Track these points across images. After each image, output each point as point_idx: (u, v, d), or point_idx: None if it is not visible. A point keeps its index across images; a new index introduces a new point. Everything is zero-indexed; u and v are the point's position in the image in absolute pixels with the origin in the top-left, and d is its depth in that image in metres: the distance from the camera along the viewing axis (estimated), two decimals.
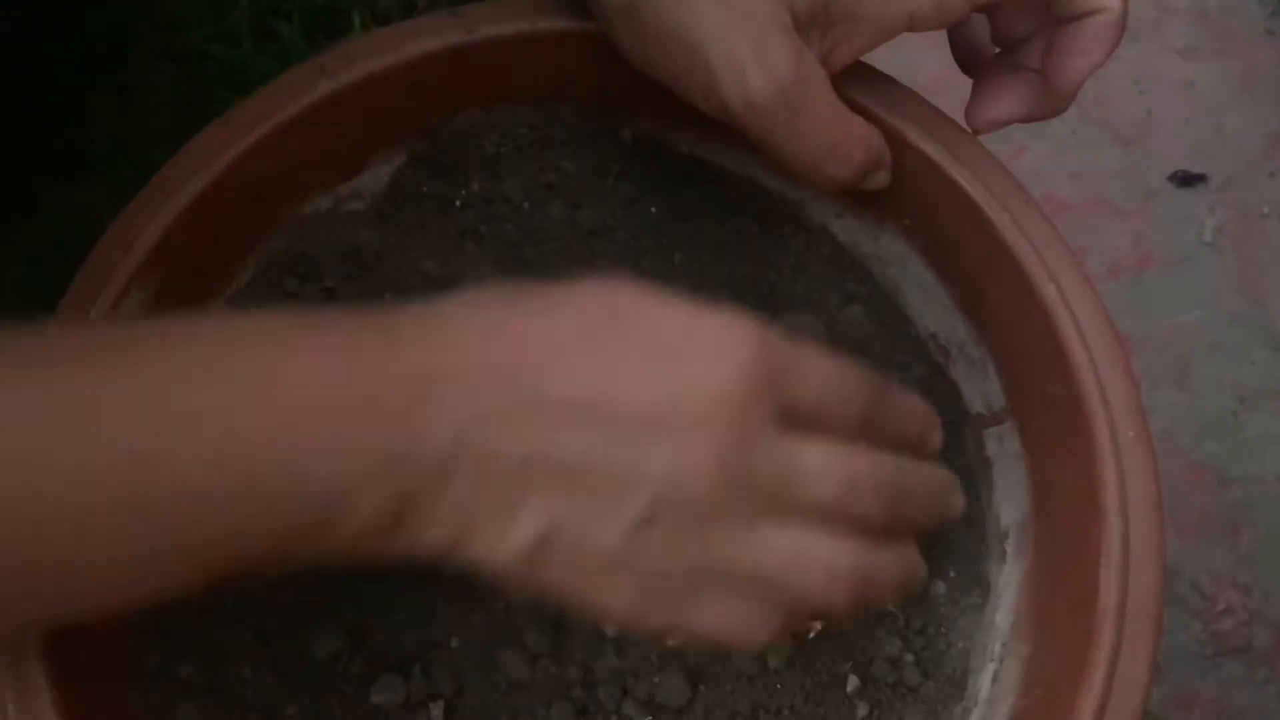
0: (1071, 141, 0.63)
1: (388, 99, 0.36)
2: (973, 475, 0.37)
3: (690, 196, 0.39)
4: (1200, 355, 0.59)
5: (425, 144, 0.38)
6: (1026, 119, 0.36)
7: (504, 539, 0.26)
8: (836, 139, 0.32)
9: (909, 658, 0.35)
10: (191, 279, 0.35)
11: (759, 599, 0.28)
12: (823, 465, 0.28)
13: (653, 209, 0.39)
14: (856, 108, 0.34)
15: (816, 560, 0.27)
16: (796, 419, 0.28)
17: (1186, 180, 0.63)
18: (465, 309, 0.27)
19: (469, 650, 0.34)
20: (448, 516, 0.26)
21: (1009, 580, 0.36)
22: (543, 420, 0.26)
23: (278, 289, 0.37)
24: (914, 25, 0.33)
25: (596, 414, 0.26)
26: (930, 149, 0.35)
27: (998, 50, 0.37)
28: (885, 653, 0.35)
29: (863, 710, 0.35)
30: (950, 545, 0.37)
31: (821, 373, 0.28)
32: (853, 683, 0.35)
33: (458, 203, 0.38)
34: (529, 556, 0.27)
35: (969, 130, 0.36)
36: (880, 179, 0.35)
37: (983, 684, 0.35)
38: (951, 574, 0.37)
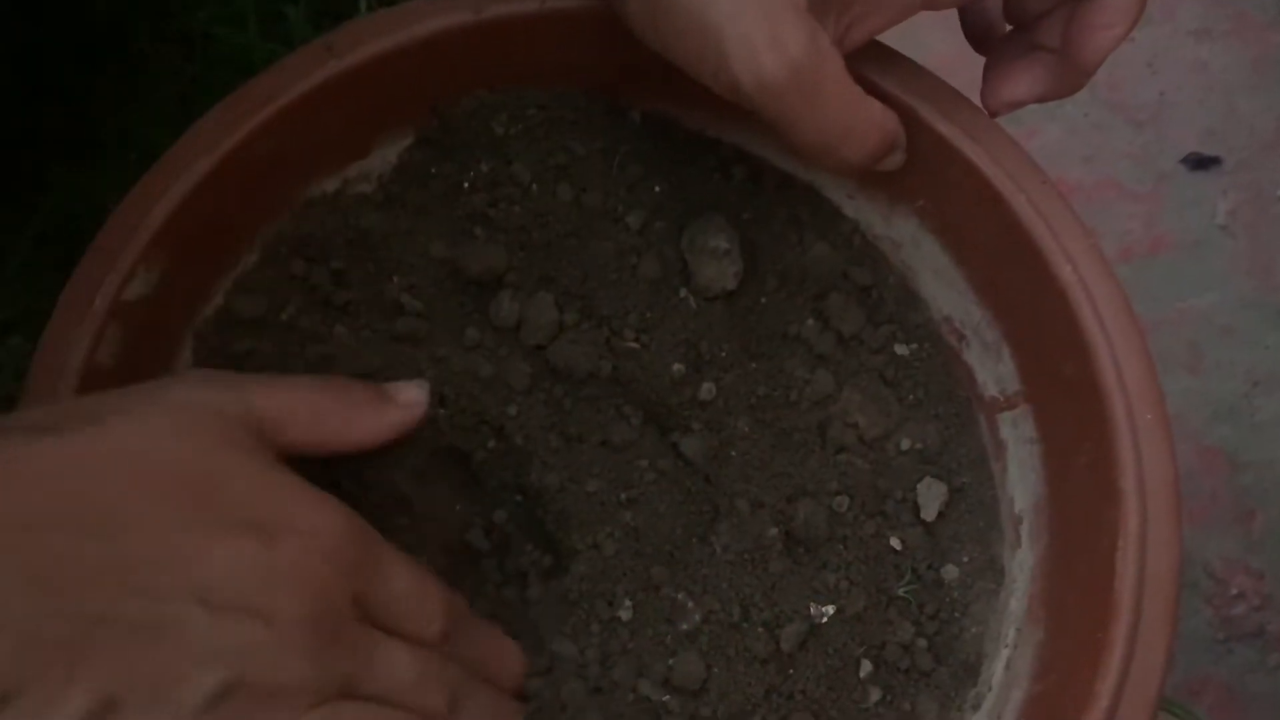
0: (1083, 124, 0.63)
1: (395, 79, 0.36)
2: (986, 460, 0.37)
3: (698, 177, 0.39)
4: (1212, 339, 0.58)
5: (433, 125, 0.38)
6: (1042, 99, 0.36)
7: (57, 711, 0.24)
8: (850, 122, 0.32)
9: (922, 643, 0.35)
10: (198, 261, 0.35)
11: None
12: (397, 657, 0.28)
13: (658, 189, 0.38)
14: (871, 87, 0.33)
15: None
16: (374, 615, 0.28)
17: (1199, 163, 0.62)
18: (35, 440, 0.25)
19: None
20: None
21: (1023, 565, 0.35)
22: (110, 580, 0.25)
23: (285, 271, 0.36)
24: (931, 4, 0.32)
25: (174, 577, 0.25)
26: (945, 129, 0.34)
27: (1010, 28, 0.37)
28: (898, 638, 0.35)
29: (875, 695, 0.34)
30: (963, 530, 0.37)
31: (406, 577, 0.29)
32: (865, 667, 0.35)
33: (466, 185, 0.38)
34: None
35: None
36: (895, 160, 0.34)
37: (996, 669, 0.34)
38: (965, 559, 0.36)
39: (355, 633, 0.27)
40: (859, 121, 0.32)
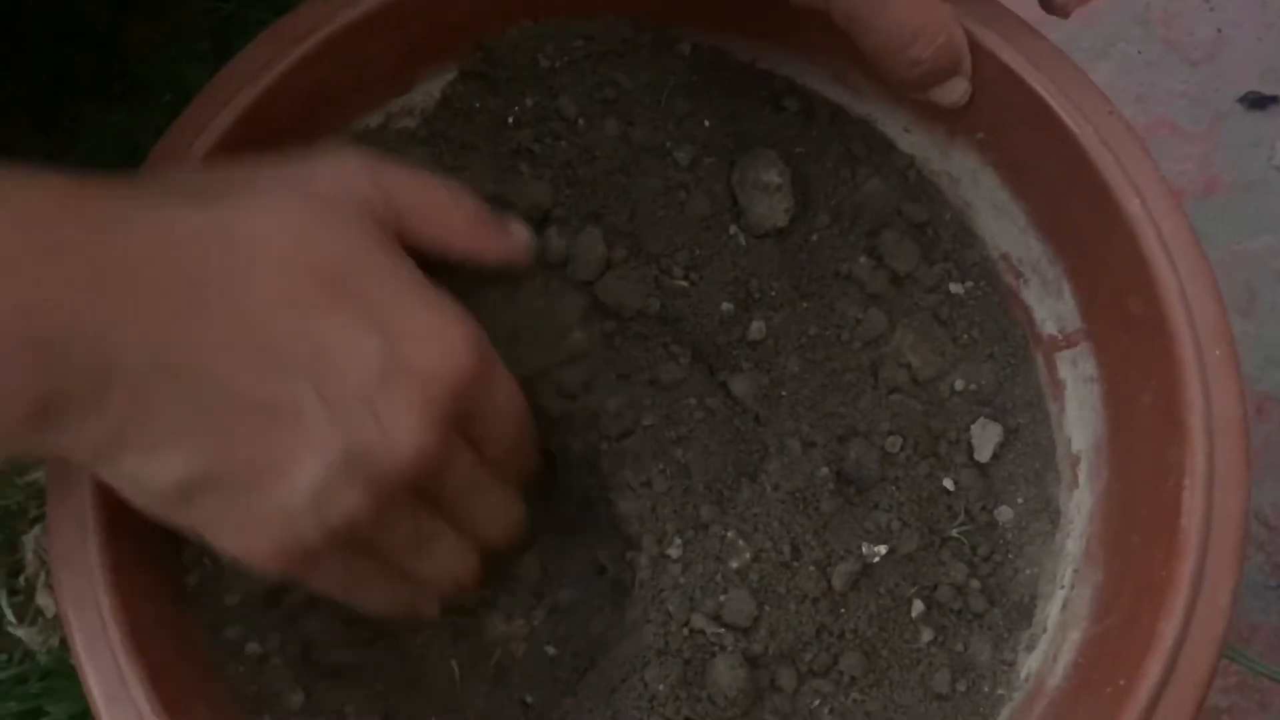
0: (1137, 62, 0.61)
1: (438, 11, 0.35)
2: (1043, 400, 0.36)
3: (749, 111, 0.38)
4: (1267, 282, 0.57)
5: (477, 58, 0.37)
6: None
7: (158, 465, 0.25)
8: (921, 21, 0.31)
9: (975, 584, 0.35)
10: None
11: (407, 583, 0.30)
12: (465, 467, 0.29)
13: (708, 123, 0.37)
14: None
15: (452, 558, 0.30)
16: (467, 422, 0.28)
17: (1257, 102, 0.60)
18: (174, 209, 0.25)
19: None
20: (101, 424, 0.24)
21: (1080, 505, 0.35)
22: (237, 353, 0.25)
23: None
24: None
25: (295, 362, 0.25)
26: (1009, 57, 0.33)
27: None
28: (951, 579, 0.35)
29: (927, 635, 0.34)
30: (1018, 471, 0.36)
31: (507, 396, 0.30)
32: (917, 608, 0.34)
33: (511, 119, 0.37)
34: (177, 493, 0.25)
35: (1051, 15, 0.34)
36: (959, 89, 0.33)
37: (1052, 610, 0.34)
38: (1019, 500, 0.36)
39: (451, 445, 0.28)
40: (929, 20, 0.31)
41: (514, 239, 0.34)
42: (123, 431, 0.25)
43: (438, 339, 0.27)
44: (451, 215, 0.31)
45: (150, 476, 0.25)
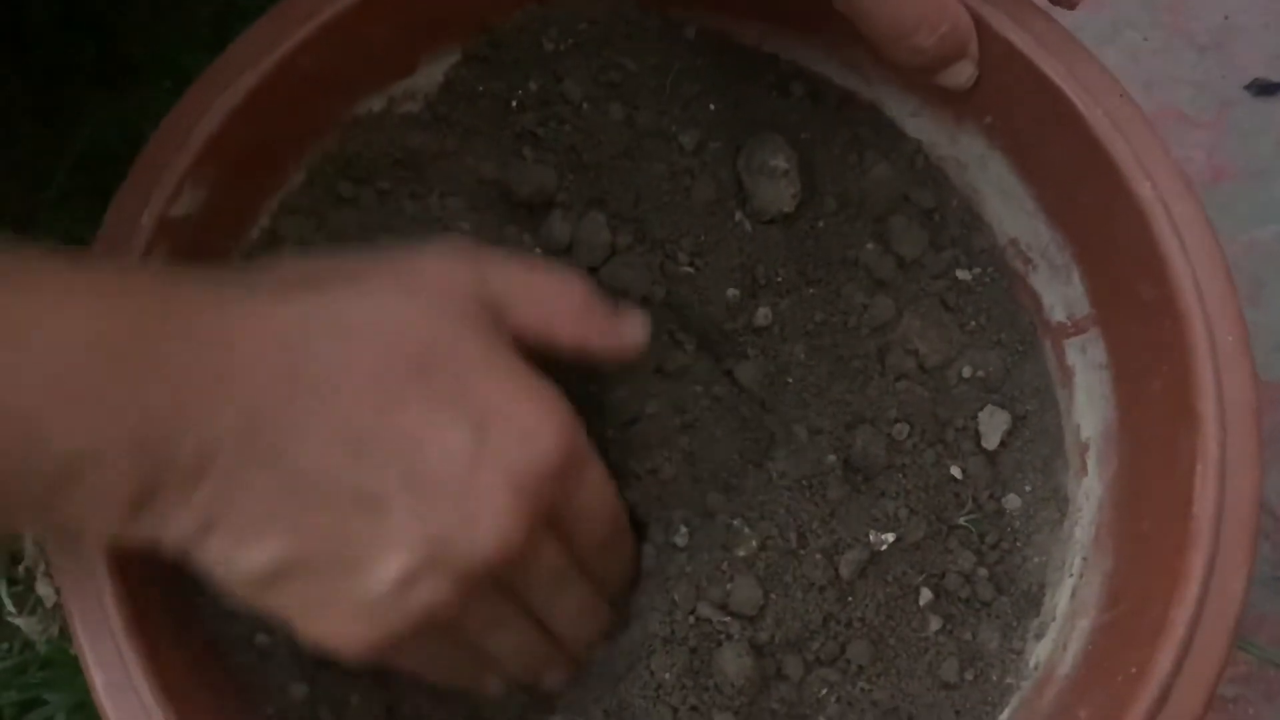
0: (1144, 49, 0.60)
1: None
2: (1051, 387, 0.36)
3: (755, 95, 0.38)
4: (1274, 271, 0.56)
5: (481, 41, 0.36)
6: None
7: (245, 551, 0.25)
8: (924, 9, 0.31)
9: (983, 572, 0.35)
10: (244, 180, 0.34)
11: (478, 661, 0.30)
12: (551, 562, 0.29)
13: (713, 107, 0.37)
14: None
15: (528, 647, 0.30)
16: (556, 515, 0.28)
17: (1265, 89, 0.60)
18: (274, 298, 0.25)
19: None
20: (190, 515, 0.25)
21: (1089, 493, 0.34)
22: (327, 442, 0.25)
23: (331, 191, 0.36)
24: None
25: (385, 451, 0.25)
26: (1017, 38, 0.33)
27: None
28: (959, 567, 0.34)
29: (935, 624, 0.34)
30: (1026, 459, 0.36)
31: (599, 488, 0.29)
32: (925, 596, 0.34)
33: (515, 103, 0.37)
34: (263, 579, 0.25)
35: (1057, 6, 0.33)
36: (965, 72, 0.33)
37: (1061, 599, 0.34)
38: (1027, 488, 0.35)
39: (537, 537, 0.27)
40: (932, 8, 0.31)
41: (631, 333, 0.32)
42: (212, 520, 0.25)
43: (528, 429, 0.26)
44: (558, 305, 0.30)
45: (238, 563, 0.25)
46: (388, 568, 0.25)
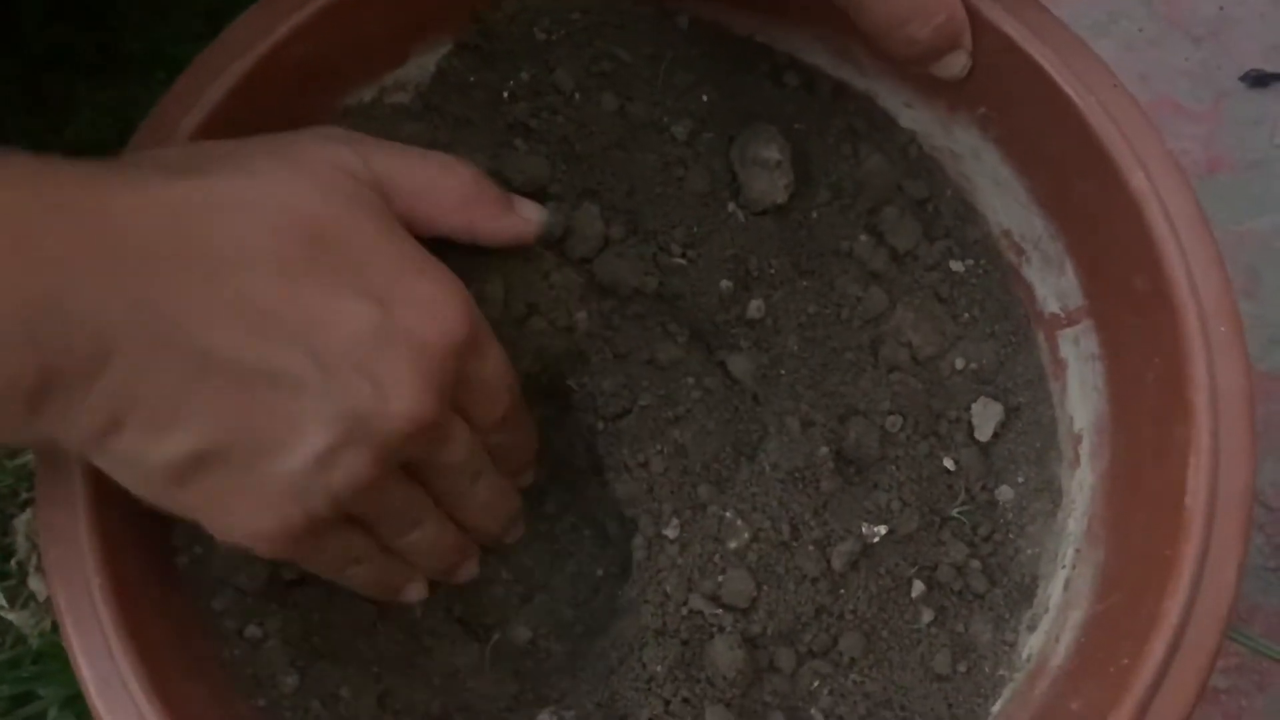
0: (1139, 40, 0.60)
1: None
2: (1044, 378, 0.36)
3: (749, 86, 0.37)
4: (1270, 262, 0.56)
5: (473, 31, 0.36)
6: None
7: (157, 443, 0.24)
8: (918, 0, 0.31)
9: (975, 564, 0.34)
10: None
11: (398, 563, 0.30)
12: (461, 440, 0.29)
13: (706, 98, 0.37)
14: None
15: (445, 539, 0.30)
16: (459, 390, 0.28)
17: (1260, 80, 0.60)
18: (160, 178, 0.25)
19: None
20: (97, 404, 0.24)
21: (1082, 484, 0.34)
22: (230, 322, 0.24)
23: None
24: None
25: (291, 329, 0.25)
26: (1011, 29, 0.32)
27: None
28: (951, 559, 0.34)
29: (927, 616, 0.34)
30: (1019, 450, 0.36)
31: (497, 363, 0.29)
32: (918, 588, 0.34)
33: (506, 94, 0.36)
34: (178, 473, 0.25)
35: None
36: (958, 62, 0.33)
37: (1053, 590, 0.34)
38: (1020, 480, 0.35)
39: (447, 414, 0.27)
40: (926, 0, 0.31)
41: (523, 220, 0.32)
42: (119, 410, 0.24)
43: (430, 305, 0.27)
44: (442, 192, 0.30)
45: (148, 456, 0.25)
46: (307, 446, 0.25)
